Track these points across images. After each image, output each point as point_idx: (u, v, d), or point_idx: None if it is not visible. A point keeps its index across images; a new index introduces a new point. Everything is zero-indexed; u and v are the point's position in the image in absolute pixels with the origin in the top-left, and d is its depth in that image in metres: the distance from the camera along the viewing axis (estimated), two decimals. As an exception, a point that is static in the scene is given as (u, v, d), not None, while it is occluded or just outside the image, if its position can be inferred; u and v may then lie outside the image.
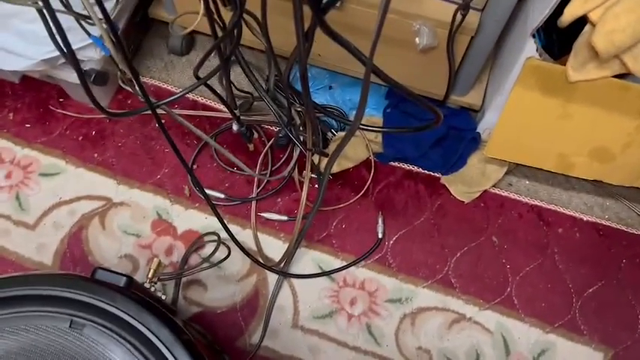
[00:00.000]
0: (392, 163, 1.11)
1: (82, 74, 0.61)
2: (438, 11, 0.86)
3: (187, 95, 1.13)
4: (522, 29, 0.90)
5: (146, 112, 0.71)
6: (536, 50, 0.86)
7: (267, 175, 1.07)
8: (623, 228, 1.09)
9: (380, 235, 1.04)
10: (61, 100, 1.12)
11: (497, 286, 1.02)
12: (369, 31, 0.54)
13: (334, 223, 1.05)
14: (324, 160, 1.09)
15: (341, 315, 0.98)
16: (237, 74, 1.10)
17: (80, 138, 1.09)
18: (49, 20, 0.52)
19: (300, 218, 0.93)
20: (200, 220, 1.03)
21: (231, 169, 1.08)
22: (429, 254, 1.04)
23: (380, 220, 1.05)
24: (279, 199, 1.06)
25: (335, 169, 1.08)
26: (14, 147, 1.08)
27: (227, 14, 0.74)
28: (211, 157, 1.09)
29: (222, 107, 1.12)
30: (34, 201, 1.03)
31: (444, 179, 1.09)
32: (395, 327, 0.98)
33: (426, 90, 1.04)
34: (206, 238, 1.02)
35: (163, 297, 0.93)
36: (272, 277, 1.00)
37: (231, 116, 0.95)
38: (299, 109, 1.01)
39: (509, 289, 1.02)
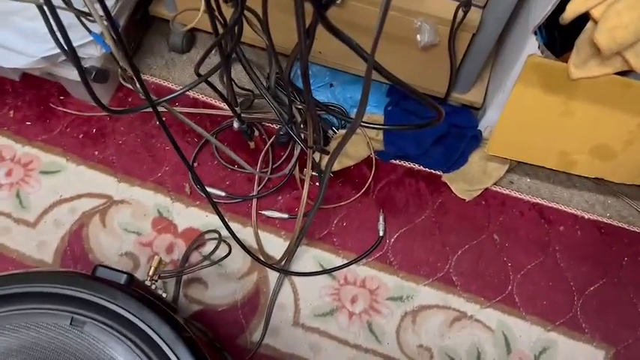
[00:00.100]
0: (393, 161, 1.11)
1: (82, 72, 0.61)
2: (440, 8, 0.86)
3: (188, 93, 1.13)
4: (524, 26, 0.90)
5: (147, 110, 0.71)
6: (538, 47, 0.85)
7: (268, 173, 1.07)
8: (625, 226, 1.08)
9: (381, 233, 1.04)
10: (61, 97, 1.12)
11: (498, 284, 1.02)
12: (370, 28, 0.54)
13: (335, 221, 1.05)
14: (325, 158, 1.09)
15: (342, 313, 0.98)
16: (237, 72, 1.10)
17: (81, 136, 1.09)
18: (50, 17, 0.52)
19: (301, 216, 0.93)
20: (201, 218, 1.03)
21: (231, 167, 1.07)
22: (430, 252, 1.04)
23: (381, 218, 1.05)
24: (280, 197, 1.06)
25: (336, 166, 1.08)
26: (15, 145, 1.07)
27: (228, 11, 0.74)
28: (212, 155, 1.09)
29: (223, 105, 1.12)
30: (34, 199, 1.03)
31: (445, 177, 1.09)
32: (396, 325, 0.98)
33: (427, 87, 1.04)
34: (207, 236, 1.02)
35: (164, 295, 0.93)
36: (273, 275, 1.00)
37: (232, 114, 0.95)
38: (300, 107, 1.01)
39: (510, 287, 1.02)
